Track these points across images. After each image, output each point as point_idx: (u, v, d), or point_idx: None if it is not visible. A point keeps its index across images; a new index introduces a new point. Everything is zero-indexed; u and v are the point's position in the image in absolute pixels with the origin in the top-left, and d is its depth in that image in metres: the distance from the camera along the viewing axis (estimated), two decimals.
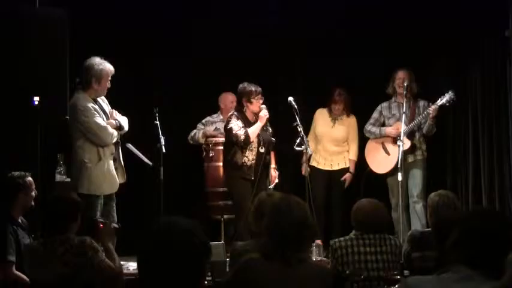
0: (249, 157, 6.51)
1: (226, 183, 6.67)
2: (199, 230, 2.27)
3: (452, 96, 6.65)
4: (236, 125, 6.48)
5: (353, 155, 7.31)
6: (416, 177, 6.88)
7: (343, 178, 7.24)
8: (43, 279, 3.84)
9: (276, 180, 6.84)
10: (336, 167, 7.26)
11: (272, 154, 6.86)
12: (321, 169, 7.20)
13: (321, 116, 7.28)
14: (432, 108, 6.70)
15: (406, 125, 6.68)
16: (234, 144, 6.50)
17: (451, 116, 7.48)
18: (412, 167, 6.89)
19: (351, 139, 7.31)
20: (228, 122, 6.55)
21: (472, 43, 7.33)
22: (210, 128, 7.31)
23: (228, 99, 7.41)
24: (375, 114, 7.14)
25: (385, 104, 7.11)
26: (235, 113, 6.59)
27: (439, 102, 6.69)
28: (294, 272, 3.11)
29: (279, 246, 3.13)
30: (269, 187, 6.64)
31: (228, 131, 6.52)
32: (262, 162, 6.56)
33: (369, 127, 7.13)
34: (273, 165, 6.87)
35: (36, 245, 4.10)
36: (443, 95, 6.68)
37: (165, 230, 2.23)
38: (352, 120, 7.33)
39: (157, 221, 2.30)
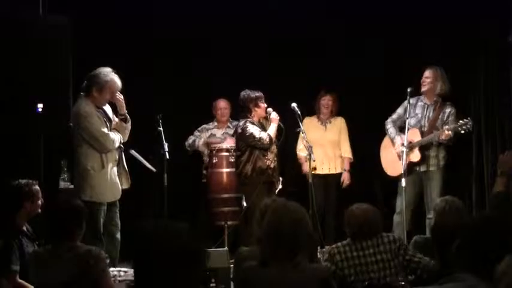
0: (270, 159, 6.59)
1: (245, 188, 6.64)
2: (196, 232, 2.28)
3: (469, 125, 6.40)
4: (256, 130, 6.58)
5: (347, 152, 7.35)
6: (434, 191, 6.62)
7: (342, 178, 7.27)
8: (47, 284, 3.82)
9: (280, 186, 6.86)
10: (332, 171, 7.28)
11: None
12: (319, 174, 7.14)
13: (311, 124, 7.15)
14: (445, 134, 6.46)
15: (423, 131, 6.61)
16: (253, 149, 6.56)
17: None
18: (427, 179, 6.67)
19: (343, 139, 7.36)
20: (244, 129, 6.60)
21: (475, 46, 7.33)
22: (205, 135, 7.37)
23: (221, 105, 7.44)
24: (400, 110, 6.88)
25: (412, 101, 6.76)
26: (248, 119, 6.64)
27: (455, 128, 6.45)
28: (291, 276, 3.19)
29: (275, 249, 3.17)
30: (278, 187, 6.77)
31: (248, 137, 6.58)
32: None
33: (388, 125, 6.92)
34: None
35: (42, 251, 4.09)
36: (462, 120, 6.44)
37: (159, 233, 2.24)
38: (342, 121, 7.39)
39: (151, 224, 2.30)
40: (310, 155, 6.55)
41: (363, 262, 4.12)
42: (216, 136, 7.40)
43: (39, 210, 4.84)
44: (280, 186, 6.82)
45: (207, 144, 7.24)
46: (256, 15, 7.56)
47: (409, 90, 6.63)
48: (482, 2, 7.03)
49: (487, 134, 7.20)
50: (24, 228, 4.77)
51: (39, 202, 4.84)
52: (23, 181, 4.83)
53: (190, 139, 7.41)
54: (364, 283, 4.01)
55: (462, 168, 7.42)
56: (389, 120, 6.96)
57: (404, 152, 6.36)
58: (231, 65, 7.52)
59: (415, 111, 6.78)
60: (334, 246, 4.25)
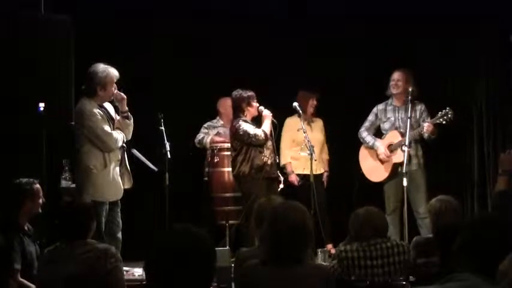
0: (267, 155, 6.57)
1: (244, 186, 6.59)
2: (208, 236, 2.31)
3: (449, 115, 6.42)
4: (250, 127, 6.54)
5: (327, 154, 7.43)
6: (420, 191, 6.67)
7: (324, 179, 7.33)
8: (56, 277, 3.79)
9: (282, 186, 6.86)
10: (319, 171, 7.27)
11: None
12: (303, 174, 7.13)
13: (295, 124, 6.94)
14: (426, 126, 6.50)
15: (402, 132, 6.61)
16: (250, 147, 6.53)
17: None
18: (412, 178, 6.62)
19: (325, 140, 7.42)
20: (238, 128, 6.55)
21: (475, 46, 7.34)
22: (213, 132, 7.38)
23: (227, 103, 7.44)
24: (371, 117, 6.96)
25: (381, 107, 6.92)
26: (241, 118, 6.61)
27: (435, 119, 6.50)
28: (292, 274, 3.18)
29: (275, 250, 3.17)
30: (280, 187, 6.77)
31: (243, 135, 6.53)
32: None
33: (363, 134, 6.96)
34: None
35: (56, 249, 4.03)
36: (441, 111, 6.47)
37: (178, 236, 2.26)
38: (321, 122, 7.43)
39: (169, 227, 2.32)
40: (311, 154, 6.56)
41: (369, 272, 4.06)
42: (222, 134, 7.38)
43: (40, 210, 4.85)
44: (281, 186, 6.83)
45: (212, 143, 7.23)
46: (256, 15, 7.57)
47: (410, 89, 6.64)
48: (482, 2, 7.04)
49: (488, 133, 7.22)
50: (26, 227, 4.78)
51: (40, 201, 4.83)
52: (24, 180, 4.83)
53: (200, 136, 7.36)
54: (366, 282, 4.00)
55: (464, 167, 7.44)
56: (362, 129, 6.98)
57: (406, 150, 6.35)
58: (231, 65, 7.52)
59: (387, 116, 6.84)
60: (343, 249, 4.14)
